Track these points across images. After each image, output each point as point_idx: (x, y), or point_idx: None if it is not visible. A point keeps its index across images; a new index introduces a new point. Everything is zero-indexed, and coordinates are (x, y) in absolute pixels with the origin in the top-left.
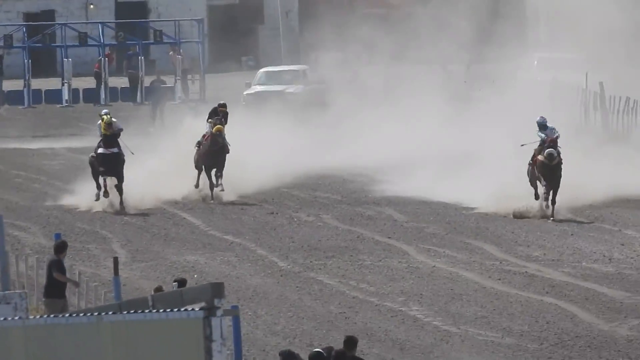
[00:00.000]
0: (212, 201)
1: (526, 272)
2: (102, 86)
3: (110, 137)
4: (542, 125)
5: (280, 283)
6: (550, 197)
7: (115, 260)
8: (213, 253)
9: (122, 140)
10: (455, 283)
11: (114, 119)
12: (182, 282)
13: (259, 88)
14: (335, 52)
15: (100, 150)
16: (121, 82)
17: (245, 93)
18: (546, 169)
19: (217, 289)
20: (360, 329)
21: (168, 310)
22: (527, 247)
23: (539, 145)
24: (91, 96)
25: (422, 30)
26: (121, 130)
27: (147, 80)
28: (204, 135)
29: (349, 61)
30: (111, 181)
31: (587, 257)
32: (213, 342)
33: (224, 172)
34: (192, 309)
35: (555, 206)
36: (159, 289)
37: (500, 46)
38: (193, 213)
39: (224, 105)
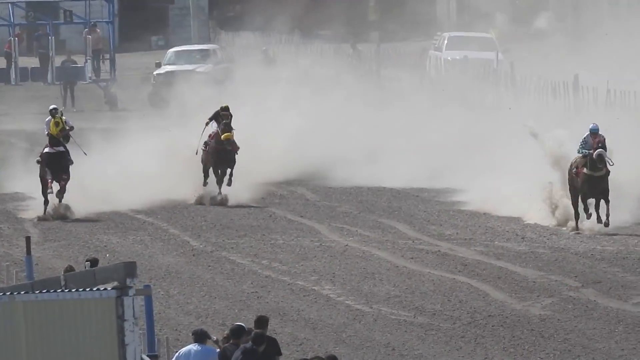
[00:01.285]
0: (218, 202)
1: (439, 251)
2: (13, 66)
3: (57, 136)
4: (595, 131)
5: (193, 262)
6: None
7: (28, 240)
8: (125, 232)
9: (75, 139)
10: (368, 262)
11: (64, 118)
12: (94, 262)
13: (169, 67)
14: (245, 32)
15: (46, 149)
16: (31, 62)
17: (155, 73)
18: (592, 181)
19: (129, 269)
20: (273, 308)
21: (81, 289)
22: (439, 226)
23: (582, 157)
24: (1, 76)
25: (332, 9)
26: (72, 129)
27: (58, 60)
28: (210, 135)
29: (258, 40)
30: (56, 186)
31: (499, 236)
32: (125, 321)
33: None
34: (105, 289)
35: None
36: (69, 269)
37: (411, 25)
38: None
39: (226, 109)
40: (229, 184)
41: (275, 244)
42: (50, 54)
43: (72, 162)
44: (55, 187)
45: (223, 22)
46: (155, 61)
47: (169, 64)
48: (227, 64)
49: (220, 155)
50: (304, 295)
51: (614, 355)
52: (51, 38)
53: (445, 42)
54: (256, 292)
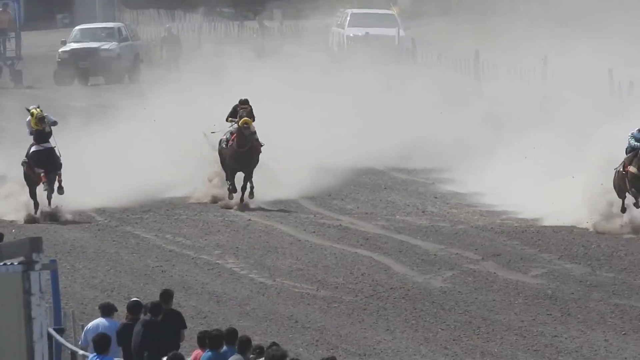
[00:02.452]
0: (231, 199)
1: (340, 225)
2: None
3: (42, 131)
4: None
5: (98, 237)
6: None
7: None
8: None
9: (54, 136)
10: (271, 236)
11: (45, 113)
12: (0, 238)
13: (74, 45)
14: (149, 10)
15: (33, 148)
16: None
17: (60, 50)
18: (638, 180)
19: (35, 244)
20: (177, 282)
21: None
22: (340, 201)
23: (631, 153)
24: None
25: None
26: (55, 123)
27: None
28: (231, 133)
29: (163, 18)
30: (46, 185)
31: (400, 210)
32: (32, 295)
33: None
34: (11, 263)
35: None
36: None
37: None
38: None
39: (245, 102)
40: (251, 194)
41: (179, 219)
42: None
43: (61, 165)
44: (49, 184)
45: (128, 0)
46: (61, 39)
47: (74, 42)
48: (132, 41)
49: (239, 158)
50: (208, 269)
51: (513, 326)
52: None
53: (348, 18)
54: (160, 266)
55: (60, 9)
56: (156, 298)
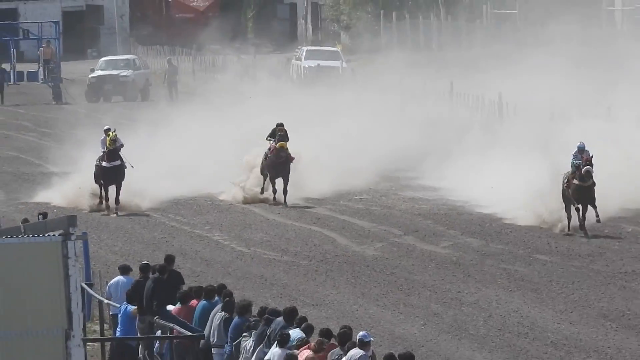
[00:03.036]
0: (272, 203)
1: (298, 208)
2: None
3: (113, 151)
4: (582, 149)
5: (118, 216)
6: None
7: None
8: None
9: (123, 154)
10: (247, 216)
11: (117, 135)
12: (45, 215)
13: (100, 72)
14: (155, 46)
15: (103, 164)
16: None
17: (90, 76)
18: (581, 191)
19: (71, 220)
20: (177, 249)
21: (36, 235)
22: (300, 190)
23: (573, 172)
24: None
25: (220, 29)
26: (122, 146)
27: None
28: (269, 148)
29: (166, 52)
30: (112, 190)
31: (344, 197)
32: (69, 259)
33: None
34: (54, 235)
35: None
36: (26, 220)
37: (278, 41)
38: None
39: (281, 125)
40: (284, 192)
41: (178, 202)
42: (12, 63)
43: (126, 167)
44: (112, 198)
45: (140, 38)
46: (90, 67)
47: (100, 70)
48: (143, 69)
49: (276, 167)
50: (200, 240)
51: (428, 284)
52: (13, 50)
53: (304, 53)
54: (164, 237)
55: (90, 45)
56: (161, 261)
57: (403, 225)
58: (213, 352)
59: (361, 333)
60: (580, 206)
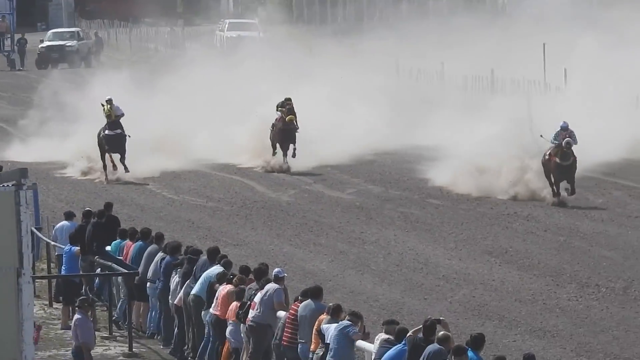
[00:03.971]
0: (285, 164)
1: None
2: None
3: (114, 120)
4: (565, 128)
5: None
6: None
7: None
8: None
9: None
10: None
11: (115, 104)
12: (0, 168)
13: (48, 43)
14: (97, 19)
15: (106, 132)
16: None
17: (39, 46)
18: (561, 169)
19: (23, 172)
20: (115, 197)
21: None
22: None
23: (555, 146)
24: None
25: (151, 3)
26: (122, 115)
27: None
28: (277, 119)
29: (105, 25)
30: (115, 156)
31: (265, 153)
32: (21, 206)
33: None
34: (8, 185)
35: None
36: None
37: (204, 14)
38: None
39: (289, 99)
40: (294, 155)
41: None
42: None
43: (129, 136)
44: (117, 163)
45: (84, 13)
46: (40, 39)
47: (48, 41)
48: (86, 40)
49: (285, 133)
50: (135, 189)
51: (334, 226)
52: None
53: (226, 25)
54: (105, 187)
55: (40, 19)
56: (101, 207)
57: (313, 174)
58: (147, 286)
59: (276, 269)
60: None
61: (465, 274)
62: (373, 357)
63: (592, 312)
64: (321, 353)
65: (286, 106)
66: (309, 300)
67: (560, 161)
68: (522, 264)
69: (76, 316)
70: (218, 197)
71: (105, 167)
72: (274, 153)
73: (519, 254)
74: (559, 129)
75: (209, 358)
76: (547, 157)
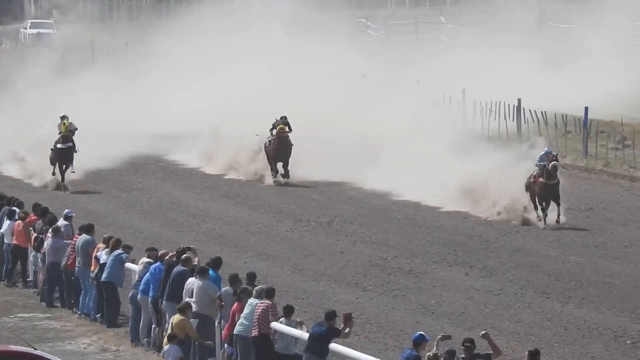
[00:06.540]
0: (275, 179)
1: None
2: None
3: (67, 135)
4: (549, 153)
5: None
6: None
7: None
8: None
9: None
10: None
11: (70, 121)
12: None
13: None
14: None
15: (58, 145)
16: None
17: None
18: (547, 189)
19: None
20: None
21: None
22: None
23: (540, 169)
24: None
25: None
26: (76, 129)
27: None
28: (271, 136)
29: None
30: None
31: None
32: None
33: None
34: None
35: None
36: None
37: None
38: None
39: (284, 117)
40: (285, 176)
41: None
42: None
43: (77, 151)
44: (64, 173)
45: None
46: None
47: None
48: (55, 29)
49: (278, 152)
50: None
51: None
52: None
53: (29, 24)
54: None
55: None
56: None
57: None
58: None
59: (66, 210)
60: (544, 204)
61: (208, 212)
62: (137, 277)
63: (304, 240)
64: (96, 271)
65: (277, 122)
66: (83, 234)
67: (546, 180)
68: (252, 204)
69: None
70: None
71: (54, 173)
72: (272, 170)
73: (249, 196)
74: (542, 152)
75: None
76: (531, 180)
